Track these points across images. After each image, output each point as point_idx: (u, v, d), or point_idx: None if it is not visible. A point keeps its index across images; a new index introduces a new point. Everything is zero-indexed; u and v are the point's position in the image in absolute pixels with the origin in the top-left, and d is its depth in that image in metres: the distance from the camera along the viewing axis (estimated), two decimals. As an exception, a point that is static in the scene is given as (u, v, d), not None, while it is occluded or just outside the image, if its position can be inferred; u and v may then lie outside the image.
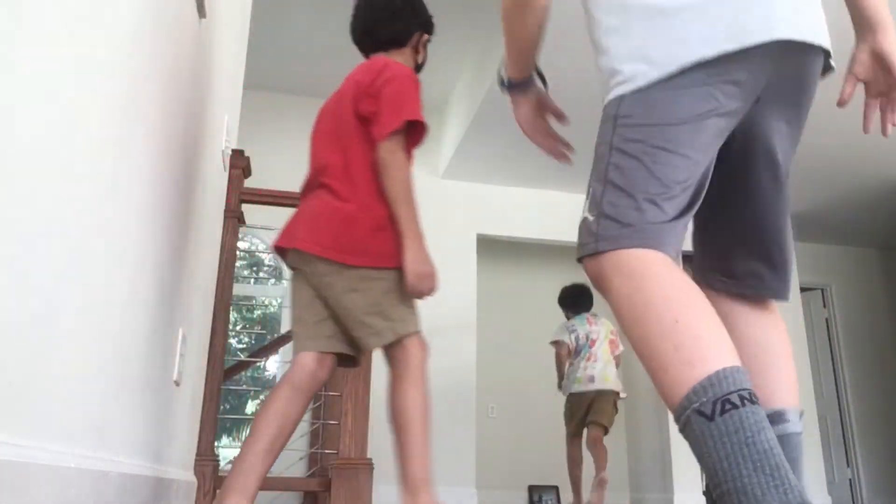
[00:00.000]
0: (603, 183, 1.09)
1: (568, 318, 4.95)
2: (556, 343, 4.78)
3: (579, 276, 7.62)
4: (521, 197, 6.00)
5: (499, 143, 5.28)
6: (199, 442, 2.27)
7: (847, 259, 7.29)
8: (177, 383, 1.74)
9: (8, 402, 0.70)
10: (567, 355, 4.65)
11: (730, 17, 1.08)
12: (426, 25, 1.97)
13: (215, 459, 2.29)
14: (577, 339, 4.70)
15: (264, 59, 5.28)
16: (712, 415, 0.87)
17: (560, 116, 1.61)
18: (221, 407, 2.45)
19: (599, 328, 4.75)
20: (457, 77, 5.56)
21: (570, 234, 6.39)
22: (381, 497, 4.41)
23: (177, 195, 1.55)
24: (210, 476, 2.24)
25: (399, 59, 1.99)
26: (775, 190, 1.21)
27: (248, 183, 2.69)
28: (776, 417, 1.18)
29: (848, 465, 6.85)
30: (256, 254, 6.31)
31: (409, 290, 1.74)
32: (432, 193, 5.89)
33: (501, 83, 1.55)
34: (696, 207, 1.11)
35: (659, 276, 1.00)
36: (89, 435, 1.01)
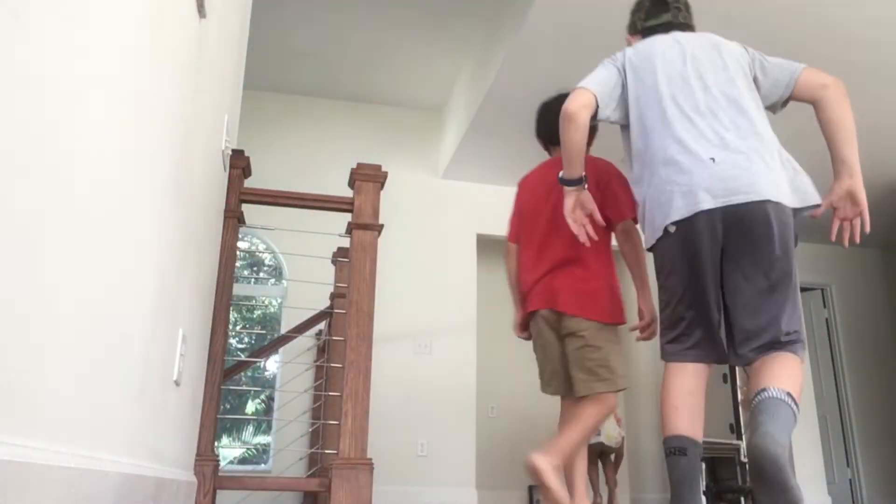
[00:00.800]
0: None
1: None
2: None
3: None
4: (521, 197, 6.00)
5: (499, 143, 5.28)
6: (199, 442, 2.27)
7: (847, 259, 7.29)
8: (177, 383, 1.74)
9: (8, 402, 0.70)
10: None
11: None
12: (594, 128, 2.32)
13: (215, 459, 2.29)
14: None
15: (264, 59, 5.28)
16: (667, 454, 1.81)
17: (592, 212, 2.08)
18: (221, 407, 2.45)
19: None
20: (457, 77, 5.56)
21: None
22: (381, 497, 4.41)
23: (177, 195, 1.55)
24: (210, 476, 2.24)
25: None
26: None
27: (248, 183, 2.69)
28: (760, 392, 1.68)
29: (848, 465, 6.85)
30: (256, 254, 6.31)
31: (648, 331, 2.26)
32: (432, 193, 5.89)
33: (560, 180, 2.08)
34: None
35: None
36: (89, 435, 1.01)
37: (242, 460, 6.71)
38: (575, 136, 1.99)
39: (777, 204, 1.80)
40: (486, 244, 6.17)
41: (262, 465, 5.87)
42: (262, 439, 7.04)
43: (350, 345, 2.40)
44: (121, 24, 1.01)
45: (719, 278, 1.82)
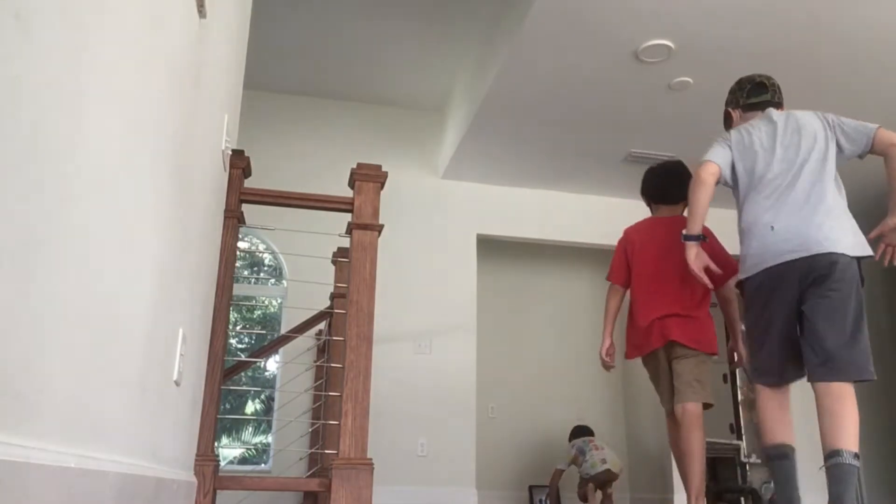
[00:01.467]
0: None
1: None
2: (556, 470, 5.66)
3: (577, 276, 7.63)
4: (521, 197, 6.01)
5: (499, 143, 5.28)
6: (199, 442, 2.27)
7: (847, 259, 7.28)
8: (177, 383, 1.74)
9: (8, 402, 0.70)
10: (560, 476, 5.60)
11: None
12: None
13: (215, 459, 2.29)
14: (575, 447, 5.51)
15: (264, 59, 5.28)
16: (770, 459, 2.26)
17: (708, 264, 2.60)
18: (221, 407, 2.45)
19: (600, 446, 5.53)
20: (457, 77, 5.56)
21: (570, 234, 6.41)
22: (381, 497, 4.41)
23: (177, 195, 1.55)
24: (210, 476, 2.24)
25: (678, 211, 3.07)
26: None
27: (248, 183, 2.69)
28: (830, 456, 2.13)
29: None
30: (256, 254, 6.31)
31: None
32: (432, 193, 5.89)
33: (685, 237, 2.57)
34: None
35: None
36: (89, 435, 1.01)
37: (242, 460, 6.70)
38: (703, 198, 2.52)
39: (829, 254, 2.30)
40: (486, 244, 6.17)
41: (262, 465, 5.87)
42: (261, 438, 7.05)
43: (350, 345, 2.40)
44: (120, 24, 1.01)
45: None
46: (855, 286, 2.30)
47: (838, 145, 2.49)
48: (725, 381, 6.39)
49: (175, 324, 1.68)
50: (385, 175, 2.66)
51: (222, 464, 3.63)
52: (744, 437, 6.25)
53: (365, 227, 2.56)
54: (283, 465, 4.92)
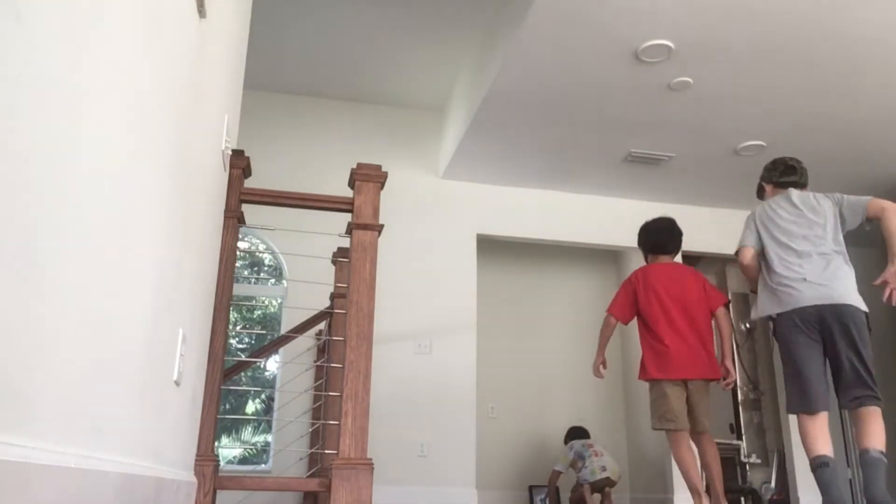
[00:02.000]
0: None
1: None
2: (553, 472, 5.67)
3: (577, 275, 7.61)
4: (521, 197, 6.01)
5: (499, 142, 5.28)
6: (199, 442, 2.27)
7: (847, 259, 7.28)
8: (177, 383, 1.74)
9: (8, 402, 0.70)
10: (557, 478, 5.63)
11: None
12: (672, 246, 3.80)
13: (215, 459, 2.29)
14: (573, 450, 5.55)
15: (264, 59, 5.29)
16: (814, 468, 2.80)
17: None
18: (221, 407, 2.45)
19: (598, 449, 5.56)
20: (457, 77, 5.56)
21: (570, 234, 6.39)
22: (381, 497, 4.41)
23: (177, 195, 1.55)
24: (210, 476, 2.24)
25: (674, 258, 3.75)
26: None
27: (248, 183, 2.69)
28: (862, 453, 2.79)
29: (848, 465, 6.84)
30: (256, 254, 6.31)
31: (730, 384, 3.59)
32: (432, 193, 5.89)
33: (758, 318, 3.20)
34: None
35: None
36: (89, 435, 1.01)
37: (242, 460, 6.71)
38: (752, 275, 3.23)
39: (848, 305, 3.02)
40: (486, 244, 6.17)
41: (262, 465, 5.87)
42: (261, 438, 7.04)
43: (350, 345, 2.40)
44: (120, 24, 1.01)
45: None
46: (866, 329, 3.08)
47: (842, 217, 3.11)
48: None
49: (175, 324, 1.68)
50: (385, 175, 2.66)
51: (222, 464, 3.62)
52: (744, 437, 6.25)
53: (365, 227, 2.56)
54: (283, 465, 4.92)
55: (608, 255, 7.17)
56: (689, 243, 6.24)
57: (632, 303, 3.58)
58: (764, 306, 3.10)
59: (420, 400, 5.38)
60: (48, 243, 0.79)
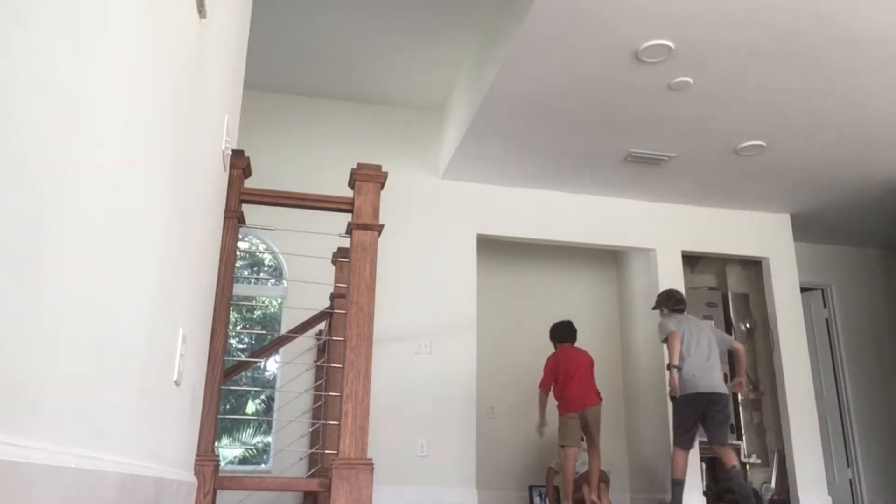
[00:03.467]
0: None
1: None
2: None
3: (577, 275, 7.65)
4: (521, 197, 6.01)
5: (499, 143, 5.28)
6: (199, 442, 2.27)
7: (847, 259, 7.29)
8: (177, 383, 1.74)
9: (8, 402, 0.70)
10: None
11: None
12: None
13: (215, 459, 2.29)
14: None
15: (264, 59, 5.29)
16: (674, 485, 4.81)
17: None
18: (221, 407, 2.45)
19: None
20: (457, 77, 5.56)
21: (570, 234, 6.40)
22: (381, 497, 4.41)
23: (177, 195, 1.55)
24: (210, 476, 2.25)
25: (574, 343, 5.30)
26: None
27: (248, 183, 2.69)
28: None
29: (848, 465, 6.84)
30: (256, 254, 6.31)
31: None
32: (432, 193, 5.89)
33: (669, 367, 4.80)
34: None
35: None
36: (89, 435, 1.01)
37: (242, 460, 6.71)
38: (678, 346, 4.74)
39: (724, 394, 4.69)
40: (486, 244, 6.17)
41: (262, 465, 5.87)
42: (261, 439, 7.04)
43: (350, 345, 2.40)
44: (120, 24, 1.01)
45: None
46: (729, 407, 4.80)
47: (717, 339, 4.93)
48: (726, 381, 6.39)
49: (175, 324, 1.68)
50: (385, 175, 2.66)
51: (222, 464, 3.62)
52: (744, 438, 6.25)
53: (365, 227, 2.56)
54: (284, 465, 4.92)
55: (608, 255, 7.17)
56: (689, 243, 6.26)
57: (552, 379, 5.12)
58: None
59: (420, 400, 5.38)
60: (49, 243, 0.79)
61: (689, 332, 4.76)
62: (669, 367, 4.72)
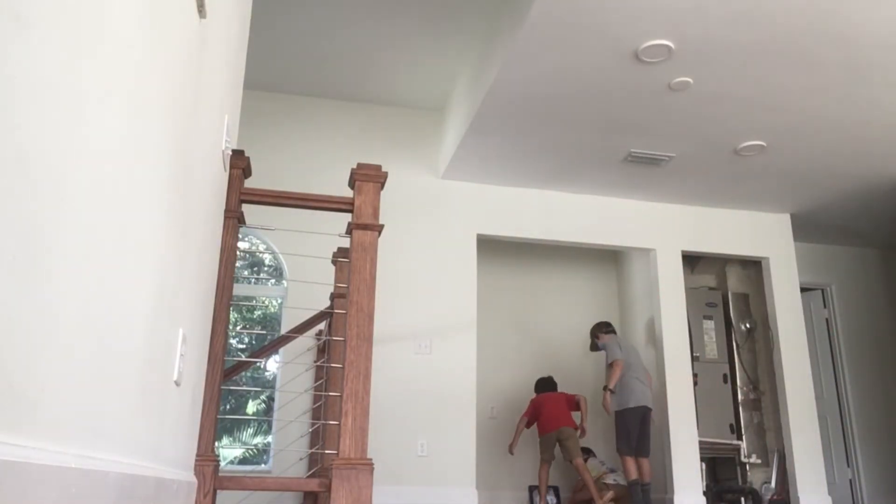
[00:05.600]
0: None
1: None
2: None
3: (577, 275, 7.65)
4: (521, 197, 6.01)
5: (499, 142, 5.28)
6: (200, 442, 2.27)
7: (847, 259, 7.29)
8: (177, 383, 1.74)
9: (8, 402, 0.70)
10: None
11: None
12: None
13: (215, 459, 2.29)
14: None
15: (264, 59, 5.29)
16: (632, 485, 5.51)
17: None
18: (221, 407, 2.45)
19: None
20: (457, 77, 5.56)
21: (570, 234, 6.40)
22: (381, 497, 4.41)
23: (177, 195, 1.55)
24: (210, 476, 2.24)
25: (554, 390, 6.02)
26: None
27: (248, 183, 2.69)
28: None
29: (848, 465, 6.84)
30: (256, 254, 6.31)
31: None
32: (432, 193, 5.89)
33: (605, 388, 5.59)
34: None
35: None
36: (89, 435, 1.01)
37: (242, 460, 6.70)
38: (617, 373, 5.47)
39: (650, 408, 5.55)
40: (486, 244, 6.17)
41: (263, 465, 5.87)
42: (261, 439, 7.04)
43: (350, 345, 2.40)
44: (120, 24, 1.01)
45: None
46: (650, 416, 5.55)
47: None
48: (725, 381, 6.39)
49: (175, 324, 1.68)
50: (385, 175, 2.66)
51: (222, 464, 3.62)
52: (744, 437, 6.25)
53: (365, 227, 2.56)
54: (284, 465, 4.92)
55: (608, 255, 7.17)
56: (689, 243, 6.26)
57: (535, 416, 5.79)
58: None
59: (420, 400, 5.38)
60: (48, 243, 0.79)
61: (626, 352, 5.62)
62: (606, 388, 5.46)
